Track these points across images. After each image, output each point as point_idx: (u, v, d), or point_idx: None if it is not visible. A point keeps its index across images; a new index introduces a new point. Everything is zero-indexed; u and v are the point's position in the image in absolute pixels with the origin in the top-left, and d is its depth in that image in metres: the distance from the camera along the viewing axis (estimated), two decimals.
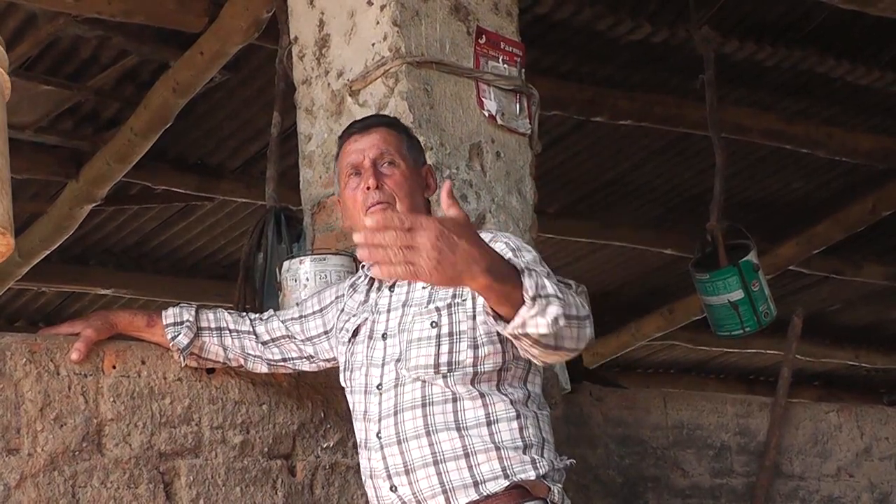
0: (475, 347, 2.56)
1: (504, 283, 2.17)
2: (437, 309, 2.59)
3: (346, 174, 2.75)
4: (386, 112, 3.33)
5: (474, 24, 3.55)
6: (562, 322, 2.23)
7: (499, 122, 3.52)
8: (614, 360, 9.55)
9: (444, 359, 2.55)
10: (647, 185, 7.33)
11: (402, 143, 2.77)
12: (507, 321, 2.23)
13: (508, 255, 2.52)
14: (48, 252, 6.75)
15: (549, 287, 2.23)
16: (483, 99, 3.50)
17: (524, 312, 2.20)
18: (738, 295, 5.44)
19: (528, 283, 2.20)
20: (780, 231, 7.66)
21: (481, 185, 3.42)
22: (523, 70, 3.64)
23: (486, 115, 3.50)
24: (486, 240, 2.59)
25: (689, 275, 5.69)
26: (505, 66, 3.59)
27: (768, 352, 9.44)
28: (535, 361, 2.43)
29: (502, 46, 3.60)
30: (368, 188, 2.69)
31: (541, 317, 2.21)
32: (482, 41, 3.55)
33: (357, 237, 2.04)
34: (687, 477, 4.13)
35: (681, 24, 5.69)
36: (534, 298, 2.20)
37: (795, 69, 6.24)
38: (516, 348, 2.50)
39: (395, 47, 3.37)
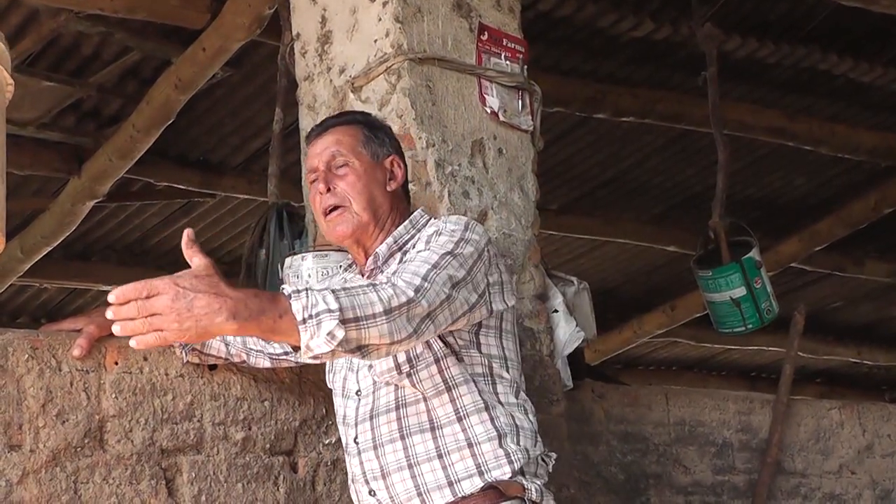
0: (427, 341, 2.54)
1: (262, 318, 2.15)
2: None
3: (308, 179, 2.77)
4: (388, 109, 3.33)
5: (476, 20, 3.54)
6: (340, 333, 2.20)
7: (501, 118, 3.52)
8: (616, 356, 9.55)
9: (402, 357, 2.54)
10: (649, 182, 7.33)
11: (357, 141, 2.74)
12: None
13: (449, 247, 2.52)
14: (50, 248, 6.75)
15: (322, 303, 2.20)
16: (485, 95, 3.50)
17: (303, 338, 2.20)
18: (740, 292, 5.44)
19: (296, 308, 2.18)
20: (783, 228, 7.66)
21: (483, 182, 3.42)
22: (525, 66, 3.63)
23: (489, 111, 3.49)
24: (430, 230, 2.58)
25: (692, 272, 5.69)
26: (507, 62, 3.59)
27: (770, 349, 9.44)
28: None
29: (504, 43, 3.59)
30: (322, 193, 2.70)
31: (316, 336, 2.19)
32: (484, 38, 3.54)
33: (108, 313, 2.09)
34: (689, 474, 4.13)
35: (683, 20, 5.69)
36: (304, 321, 2.19)
37: (798, 66, 6.23)
38: (467, 338, 2.56)
39: (398, 44, 3.37)
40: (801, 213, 7.66)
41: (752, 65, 6.15)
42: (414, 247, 2.63)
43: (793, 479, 4.41)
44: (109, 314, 2.09)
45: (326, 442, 3.14)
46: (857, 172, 7.34)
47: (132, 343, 2.12)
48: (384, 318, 2.28)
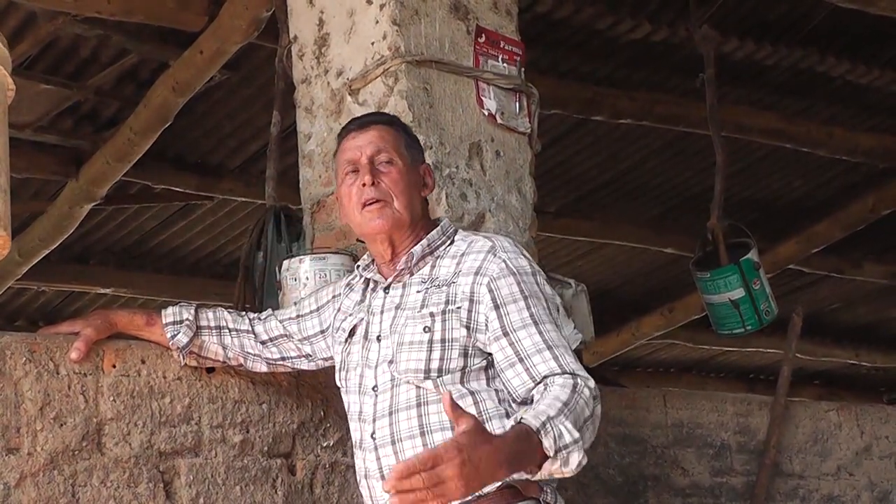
0: (466, 356, 2.57)
1: (522, 461, 2.24)
2: (431, 314, 2.59)
3: (344, 171, 2.74)
4: (385, 111, 3.33)
5: (474, 22, 3.54)
6: (584, 461, 2.32)
7: (498, 121, 3.52)
8: (614, 358, 9.54)
9: (434, 364, 2.56)
10: (647, 184, 7.33)
11: (399, 141, 2.76)
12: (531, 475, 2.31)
13: (510, 279, 2.57)
14: (48, 251, 6.75)
15: (566, 434, 2.29)
16: (483, 98, 3.50)
17: (549, 466, 2.28)
18: (738, 293, 5.44)
19: (548, 444, 2.26)
20: (781, 230, 7.66)
21: (481, 184, 3.42)
22: (523, 69, 3.63)
23: (486, 114, 3.49)
24: (485, 249, 2.61)
25: (690, 273, 5.69)
26: (504, 64, 3.59)
27: (768, 350, 9.44)
28: None
29: (502, 45, 3.60)
30: (364, 185, 2.68)
31: (564, 466, 2.30)
32: (482, 40, 3.54)
33: (384, 487, 2.07)
34: (687, 476, 4.13)
35: (681, 22, 5.69)
36: (556, 454, 2.27)
37: (795, 68, 6.24)
38: None
39: (395, 46, 3.37)
40: (799, 214, 7.66)
41: (750, 67, 6.15)
42: (459, 260, 2.66)
43: (791, 480, 4.41)
44: (387, 487, 2.05)
45: (325, 444, 3.14)
46: (854, 174, 7.34)
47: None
48: (594, 420, 2.43)
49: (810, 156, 6.88)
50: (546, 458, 2.27)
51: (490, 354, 2.58)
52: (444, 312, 2.58)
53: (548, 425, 2.28)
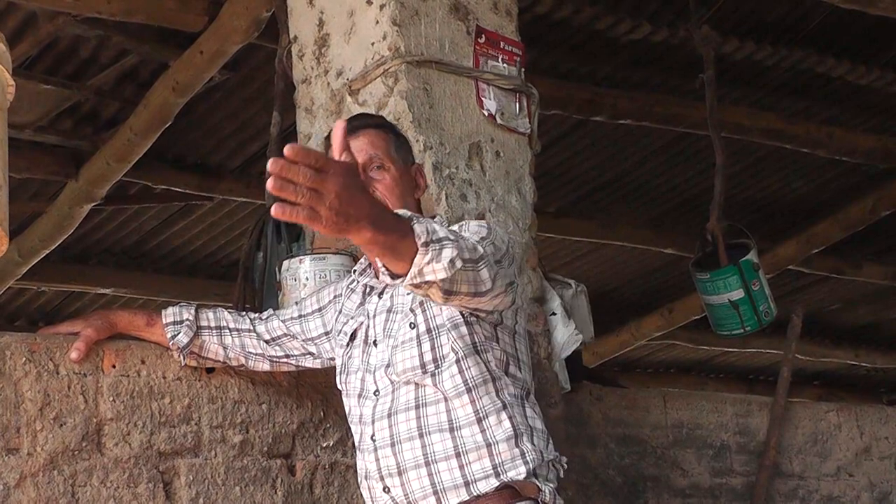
0: (456, 339, 2.57)
1: (389, 234, 2.12)
2: (412, 310, 2.60)
3: None
4: (385, 112, 3.34)
5: (474, 23, 3.55)
6: (458, 264, 2.23)
7: (498, 121, 3.52)
8: (614, 359, 9.54)
9: (427, 357, 2.57)
10: (646, 185, 7.33)
11: (389, 145, 2.76)
12: (404, 276, 2.22)
13: (483, 233, 2.51)
14: (48, 251, 6.74)
15: (440, 231, 2.22)
16: (483, 98, 3.50)
17: (419, 260, 2.19)
18: (738, 294, 5.44)
19: (419, 230, 2.18)
20: (781, 230, 7.66)
21: (481, 185, 3.42)
22: (523, 69, 3.64)
23: (486, 114, 3.50)
24: (457, 227, 2.61)
25: (689, 274, 5.69)
26: (504, 65, 3.59)
27: (768, 351, 9.44)
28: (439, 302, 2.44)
29: (502, 46, 3.60)
30: None
31: (436, 262, 2.20)
32: (482, 40, 3.55)
33: (270, 165, 1.92)
34: (686, 476, 4.13)
35: (680, 23, 5.69)
36: (426, 244, 2.18)
37: (795, 69, 6.24)
38: (489, 331, 2.56)
39: (395, 46, 3.37)
40: (798, 215, 7.66)
41: (750, 67, 6.15)
42: None
43: (790, 481, 4.41)
44: (272, 166, 1.90)
45: (324, 445, 3.14)
46: (854, 175, 7.34)
47: (274, 211, 1.94)
48: (478, 264, 2.32)
49: (810, 156, 6.87)
50: (416, 252, 2.18)
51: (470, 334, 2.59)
52: (422, 303, 2.59)
53: (422, 220, 2.21)
